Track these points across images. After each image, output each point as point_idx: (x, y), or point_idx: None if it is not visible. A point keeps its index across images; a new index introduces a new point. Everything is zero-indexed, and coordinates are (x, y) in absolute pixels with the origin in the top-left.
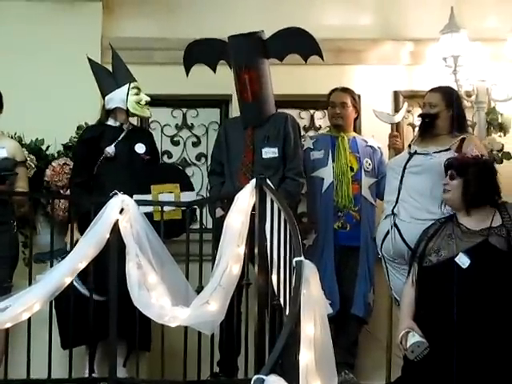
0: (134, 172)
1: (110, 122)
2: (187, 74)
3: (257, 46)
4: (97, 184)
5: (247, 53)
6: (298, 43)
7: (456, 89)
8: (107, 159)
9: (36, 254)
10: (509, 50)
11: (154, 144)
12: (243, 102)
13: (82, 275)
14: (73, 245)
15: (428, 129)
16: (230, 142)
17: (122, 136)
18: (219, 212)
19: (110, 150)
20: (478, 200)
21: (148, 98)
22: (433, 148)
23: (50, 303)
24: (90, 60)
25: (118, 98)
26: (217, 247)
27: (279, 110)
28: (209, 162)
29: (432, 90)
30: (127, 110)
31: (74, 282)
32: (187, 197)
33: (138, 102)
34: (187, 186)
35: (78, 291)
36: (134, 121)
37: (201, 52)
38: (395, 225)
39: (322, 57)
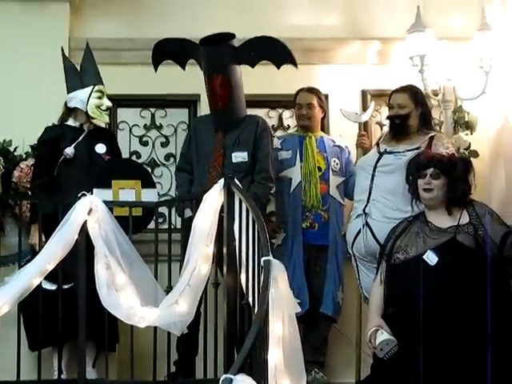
0: (94, 172)
1: (70, 121)
2: (155, 70)
3: (228, 54)
4: (57, 185)
5: (218, 60)
6: (271, 51)
7: (423, 88)
8: (67, 160)
9: None
10: (475, 49)
11: (115, 144)
12: (214, 108)
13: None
14: (37, 246)
15: (400, 130)
16: (200, 141)
17: (82, 136)
18: (188, 212)
19: (69, 150)
20: (463, 198)
21: (110, 104)
22: (403, 147)
23: (18, 305)
24: (63, 55)
25: (79, 98)
26: (185, 247)
27: (248, 111)
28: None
29: (397, 91)
30: (87, 112)
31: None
32: (148, 194)
33: (99, 107)
34: (149, 182)
35: (44, 289)
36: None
37: (170, 49)
38: (367, 224)
39: (295, 64)
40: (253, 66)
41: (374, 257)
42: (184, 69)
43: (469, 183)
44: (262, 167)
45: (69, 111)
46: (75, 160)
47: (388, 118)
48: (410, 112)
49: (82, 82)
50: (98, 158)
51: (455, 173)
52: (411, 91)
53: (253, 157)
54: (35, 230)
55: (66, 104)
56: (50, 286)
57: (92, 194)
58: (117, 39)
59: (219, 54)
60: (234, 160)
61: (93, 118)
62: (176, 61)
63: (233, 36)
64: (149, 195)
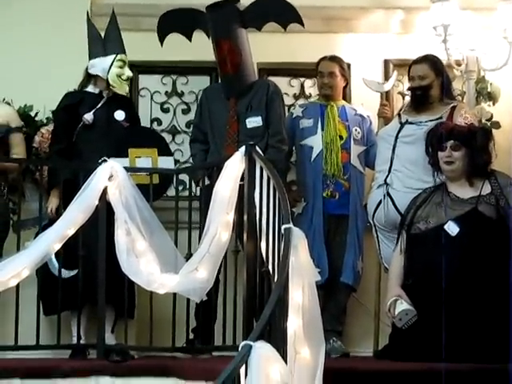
0: (113, 139)
1: (90, 88)
2: (161, 44)
3: (234, 17)
4: (75, 151)
5: (224, 24)
6: (276, 12)
7: (446, 58)
8: (85, 126)
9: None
10: (499, 19)
11: (134, 111)
12: (224, 74)
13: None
14: (53, 212)
15: (422, 100)
16: (212, 111)
17: (101, 103)
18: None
19: (89, 116)
20: (484, 169)
21: (130, 74)
22: (425, 117)
23: (36, 270)
24: (88, 20)
25: (101, 66)
26: (205, 215)
27: (270, 79)
28: None
29: (417, 62)
30: (107, 80)
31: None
32: (165, 161)
33: (120, 76)
34: (165, 150)
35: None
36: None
37: (175, 21)
38: (388, 194)
39: (302, 23)
40: (259, 29)
41: (394, 227)
42: (190, 40)
43: (489, 153)
44: (275, 130)
45: (89, 77)
46: (94, 126)
47: (409, 89)
48: (432, 82)
49: (105, 49)
50: (116, 125)
51: (475, 143)
52: (431, 61)
53: (266, 120)
54: (53, 196)
55: (86, 70)
56: (67, 274)
57: None
58: (138, 5)
59: (225, 18)
60: (248, 125)
61: (113, 87)
62: (182, 32)
63: (237, 0)
64: (165, 163)
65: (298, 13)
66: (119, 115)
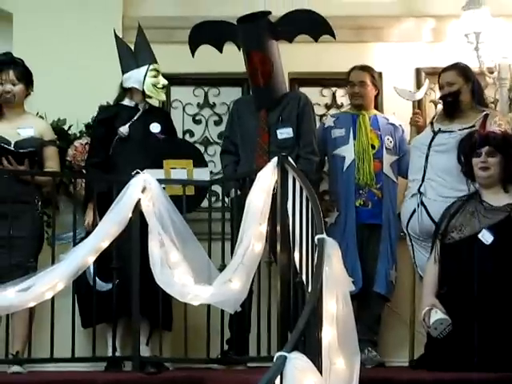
0: (148, 151)
1: (126, 101)
2: (193, 55)
3: (265, 29)
4: (112, 164)
5: (256, 36)
6: (308, 24)
7: (478, 66)
8: (121, 139)
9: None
10: None
11: (170, 123)
12: (255, 86)
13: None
14: (90, 225)
15: (453, 108)
16: (243, 122)
17: (137, 116)
18: (233, 192)
19: (124, 129)
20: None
21: (166, 82)
22: (457, 125)
23: (72, 282)
24: (116, 36)
25: (136, 78)
26: (237, 226)
27: (301, 89)
28: None
29: (445, 70)
30: (143, 91)
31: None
32: (200, 173)
33: (155, 85)
34: (200, 162)
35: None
36: (155, 102)
37: (206, 33)
38: (422, 203)
39: (333, 35)
40: (290, 41)
41: (429, 236)
42: (221, 52)
43: None
44: (306, 142)
45: (124, 91)
46: (130, 139)
47: (440, 98)
48: (460, 88)
49: (137, 61)
50: (152, 138)
51: (510, 150)
52: (459, 68)
53: (297, 132)
54: (90, 209)
55: (121, 85)
56: (105, 287)
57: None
58: (169, 17)
59: (256, 30)
60: (279, 136)
61: (149, 97)
62: (213, 44)
63: (269, 12)
64: (201, 174)
65: (329, 25)
66: (155, 127)
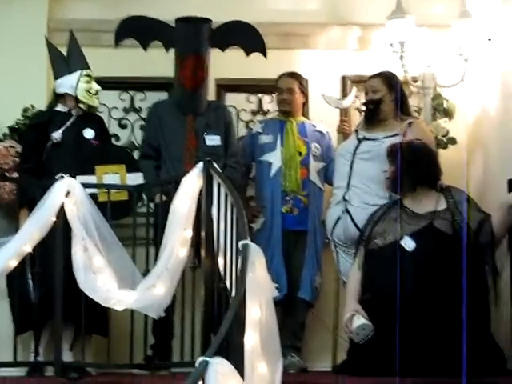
0: (81, 156)
1: (59, 107)
2: (116, 45)
3: (206, 34)
4: (45, 169)
5: (196, 40)
6: (244, 37)
7: (402, 74)
8: (54, 145)
9: None
10: (454, 37)
11: (104, 129)
12: (184, 89)
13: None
14: None
15: (373, 115)
16: (165, 126)
17: (70, 121)
18: (158, 197)
19: (57, 135)
20: (430, 183)
21: (98, 88)
22: (381, 133)
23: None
24: (47, 41)
25: (68, 83)
26: (160, 232)
27: (228, 95)
28: None
29: (372, 76)
30: (76, 97)
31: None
32: (133, 178)
33: (88, 91)
34: (133, 167)
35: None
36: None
37: (135, 27)
38: (347, 210)
39: (265, 54)
40: (223, 50)
41: (353, 242)
42: (146, 49)
43: (419, 169)
44: (233, 152)
45: (57, 97)
46: (63, 145)
47: (363, 103)
48: (383, 96)
49: (69, 67)
50: (85, 143)
51: (403, 160)
52: (384, 76)
53: (225, 142)
54: (23, 214)
55: (54, 90)
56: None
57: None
58: (96, 20)
59: (198, 33)
60: (208, 142)
61: (82, 103)
62: (139, 39)
63: (210, 20)
64: (134, 179)
65: (263, 43)
66: (88, 133)
